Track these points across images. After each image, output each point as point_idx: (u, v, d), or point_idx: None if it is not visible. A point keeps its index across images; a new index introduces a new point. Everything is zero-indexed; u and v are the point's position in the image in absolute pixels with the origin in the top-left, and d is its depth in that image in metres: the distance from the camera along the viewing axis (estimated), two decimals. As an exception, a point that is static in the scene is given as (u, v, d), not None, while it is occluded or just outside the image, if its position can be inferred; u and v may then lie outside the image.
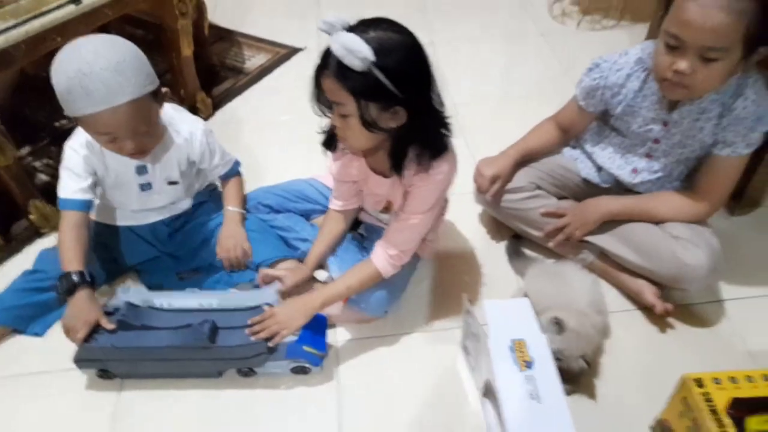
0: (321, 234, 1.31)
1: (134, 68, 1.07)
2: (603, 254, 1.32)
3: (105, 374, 1.17)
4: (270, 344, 1.13)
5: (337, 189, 1.29)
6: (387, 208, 1.22)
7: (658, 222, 1.25)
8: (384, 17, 0.98)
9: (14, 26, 1.31)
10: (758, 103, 1.11)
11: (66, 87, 1.04)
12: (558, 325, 1.10)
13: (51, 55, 1.10)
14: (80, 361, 1.14)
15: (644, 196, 1.28)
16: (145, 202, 1.31)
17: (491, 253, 1.45)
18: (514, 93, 2.02)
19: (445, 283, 1.38)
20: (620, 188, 1.33)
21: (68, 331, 1.14)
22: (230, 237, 1.33)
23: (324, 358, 1.18)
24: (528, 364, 1.00)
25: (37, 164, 1.66)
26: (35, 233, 1.49)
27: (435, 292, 1.36)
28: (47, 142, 1.74)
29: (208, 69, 1.99)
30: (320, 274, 1.30)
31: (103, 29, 1.34)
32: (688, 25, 1.00)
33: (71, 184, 1.22)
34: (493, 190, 1.34)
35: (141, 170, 1.25)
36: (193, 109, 1.85)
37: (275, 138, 1.80)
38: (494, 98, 2.00)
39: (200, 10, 1.88)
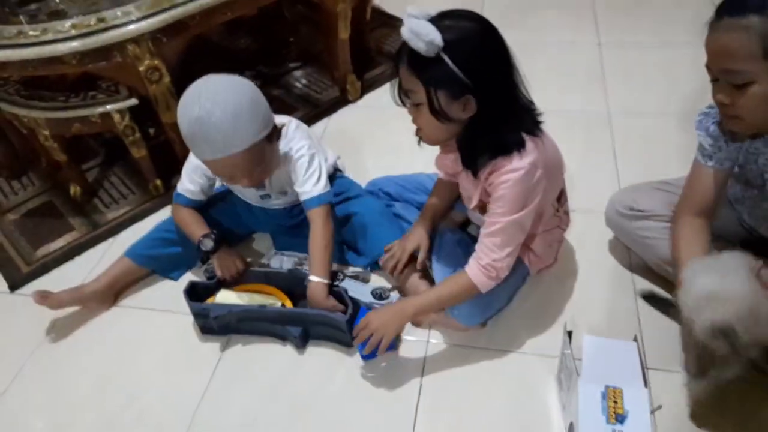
0: (432, 195, 1.33)
1: (251, 116, 1.10)
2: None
3: (208, 330, 1.30)
4: (376, 353, 1.15)
5: (441, 167, 1.27)
6: (482, 208, 1.14)
7: None
8: (463, 9, 0.96)
9: (188, 0, 1.46)
10: None
11: (188, 132, 1.09)
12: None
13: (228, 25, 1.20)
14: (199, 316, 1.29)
15: None
16: (264, 204, 1.41)
17: (615, 285, 1.30)
18: (678, 109, 1.78)
19: (554, 306, 1.28)
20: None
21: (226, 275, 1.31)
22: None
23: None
24: (619, 418, 0.89)
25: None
26: (188, 186, 1.67)
27: (542, 313, 1.27)
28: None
29: (364, 53, 2.05)
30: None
31: (275, 4, 1.39)
32: (708, 53, 0.92)
33: (187, 185, 1.34)
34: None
35: (259, 188, 1.33)
36: (343, 91, 1.92)
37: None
38: (657, 114, 1.78)
39: (364, -6, 1.94)
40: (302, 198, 1.27)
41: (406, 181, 1.44)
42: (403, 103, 1.04)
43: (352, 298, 1.24)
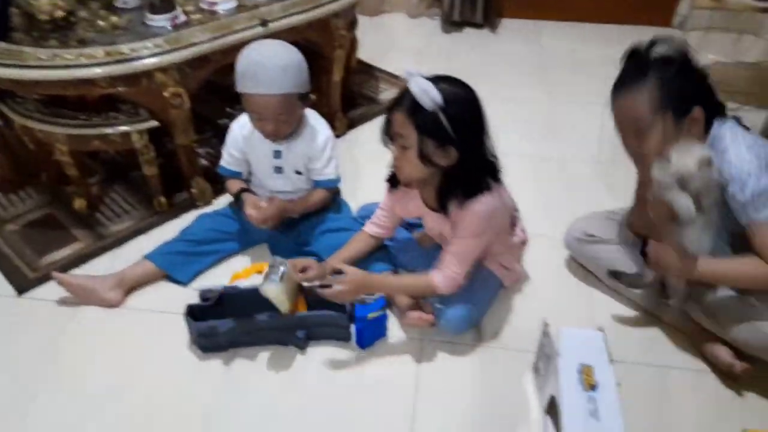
0: (347, 246, 1.47)
1: (295, 72, 1.40)
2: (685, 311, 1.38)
3: (210, 349, 1.38)
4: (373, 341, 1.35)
5: (379, 218, 1.47)
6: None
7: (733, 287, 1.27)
8: (453, 76, 1.21)
9: (215, 38, 1.65)
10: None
11: (244, 68, 1.38)
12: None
13: (229, 67, 1.44)
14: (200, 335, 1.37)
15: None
16: (275, 182, 1.59)
17: (574, 292, 1.56)
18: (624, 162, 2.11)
19: (527, 309, 1.51)
20: None
21: (255, 215, 1.50)
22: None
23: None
24: (593, 387, 1.10)
25: (201, 151, 2.00)
26: (192, 204, 1.81)
27: (516, 316, 1.49)
28: (211, 135, 2.09)
29: (348, 95, 2.28)
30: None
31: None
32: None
33: (227, 158, 1.59)
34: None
35: (277, 154, 1.54)
36: (332, 126, 2.12)
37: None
38: (604, 160, 2.11)
39: (353, 44, 2.19)
40: (316, 176, 1.56)
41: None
42: (386, 143, 1.26)
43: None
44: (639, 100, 1.18)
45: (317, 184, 1.60)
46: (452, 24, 3.06)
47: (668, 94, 1.16)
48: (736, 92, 2.46)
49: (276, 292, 1.29)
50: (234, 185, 1.61)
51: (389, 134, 1.23)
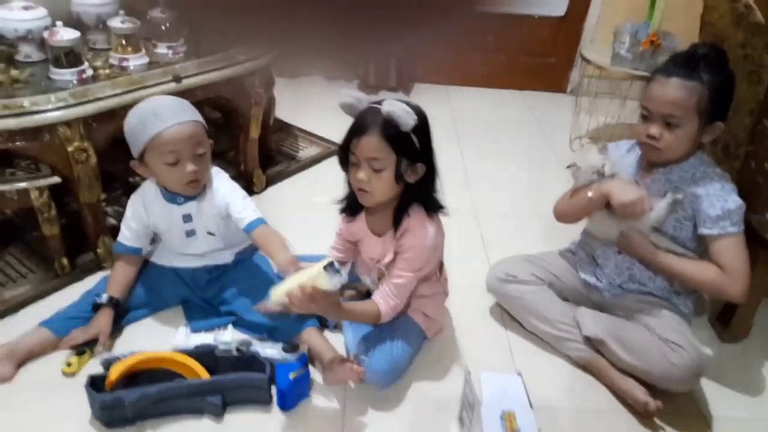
0: None
1: (190, 106, 1.41)
2: (598, 351, 1.44)
3: (117, 423, 1.26)
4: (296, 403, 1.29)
5: (337, 243, 1.50)
6: (380, 278, 1.40)
7: (678, 279, 1.39)
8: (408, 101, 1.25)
9: (124, 93, 1.61)
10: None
11: (138, 119, 1.35)
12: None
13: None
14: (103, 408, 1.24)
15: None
16: (188, 246, 1.53)
17: (493, 338, 1.58)
18: (532, 211, 2.24)
19: (446, 359, 1.51)
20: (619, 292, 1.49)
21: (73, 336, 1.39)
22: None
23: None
24: (515, 432, 1.11)
25: (109, 209, 1.90)
26: (97, 265, 1.70)
27: (436, 368, 1.49)
28: (120, 192, 2.00)
29: (266, 152, 2.28)
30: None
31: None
32: (655, 99, 1.31)
33: (126, 233, 1.50)
34: None
35: (187, 218, 1.48)
36: (250, 183, 2.11)
37: (312, 216, 2.02)
38: (513, 213, 2.22)
39: (270, 102, 2.20)
40: (245, 222, 1.44)
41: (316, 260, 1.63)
42: (345, 169, 1.29)
43: (267, 359, 1.35)
44: (686, 93, 1.27)
45: (249, 228, 1.44)
46: (369, 86, 3.18)
47: (712, 100, 1.27)
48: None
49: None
50: (122, 271, 1.50)
51: (352, 161, 1.25)
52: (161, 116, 1.34)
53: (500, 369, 1.48)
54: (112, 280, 1.49)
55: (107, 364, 1.30)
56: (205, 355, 1.35)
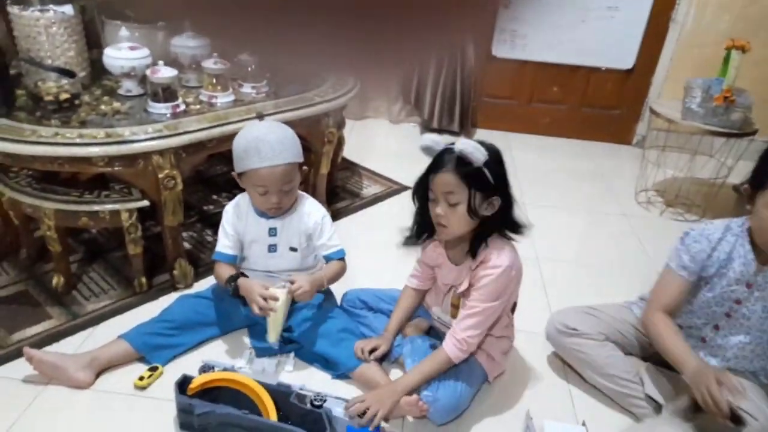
0: (397, 307, 1.58)
1: (293, 144, 1.49)
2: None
3: (187, 427, 1.31)
4: (369, 426, 1.27)
5: (418, 270, 1.55)
6: (454, 315, 1.41)
7: None
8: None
9: (211, 127, 1.73)
10: None
11: (244, 147, 1.44)
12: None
13: (213, 157, 1.51)
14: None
15: None
16: (269, 262, 1.59)
17: (554, 386, 1.56)
18: (594, 260, 2.22)
19: (508, 404, 1.50)
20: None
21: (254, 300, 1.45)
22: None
23: None
24: (578, 482, 1.09)
25: (185, 234, 2.01)
26: (172, 286, 1.80)
27: (498, 411, 1.47)
28: (195, 220, 2.12)
29: (332, 188, 2.37)
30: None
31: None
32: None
33: (223, 241, 1.57)
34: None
35: (272, 231, 1.56)
36: (315, 217, 2.19)
37: (373, 252, 2.07)
38: (574, 261, 2.20)
39: (340, 141, 2.31)
40: (327, 251, 1.58)
41: (382, 293, 1.68)
42: (418, 202, 1.37)
43: (336, 418, 1.31)
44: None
45: (328, 258, 1.59)
46: (431, 130, 3.27)
47: None
48: (693, 205, 2.65)
49: (283, 299, 1.41)
50: (225, 270, 1.55)
51: (430, 198, 1.32)
52: (262, 155, 1.42)
53: (561, 418, 1.45)
54: (221, 274, 1.54)
55: (204, 370, 1.37)
56: (280, 393, 1.34)
